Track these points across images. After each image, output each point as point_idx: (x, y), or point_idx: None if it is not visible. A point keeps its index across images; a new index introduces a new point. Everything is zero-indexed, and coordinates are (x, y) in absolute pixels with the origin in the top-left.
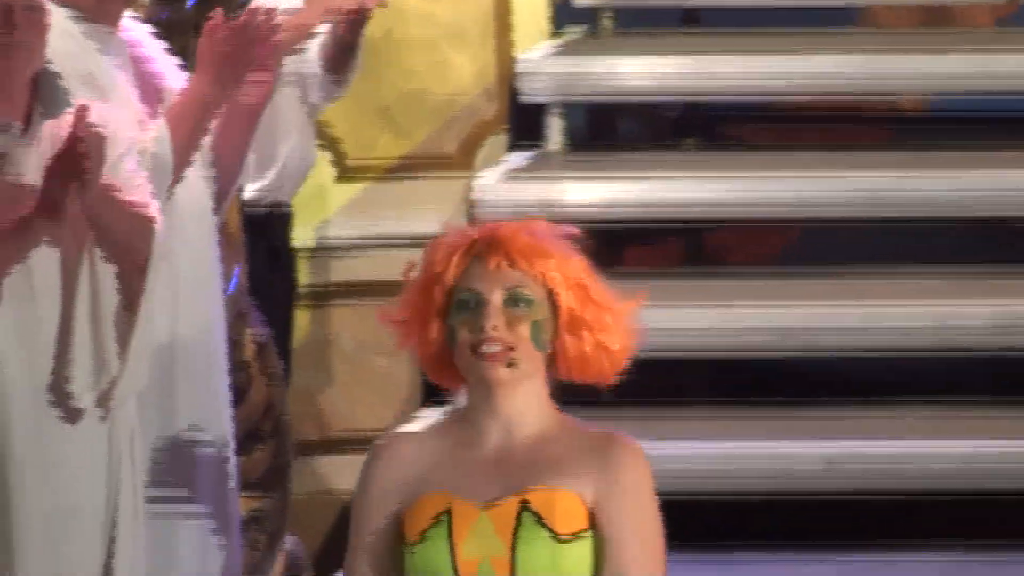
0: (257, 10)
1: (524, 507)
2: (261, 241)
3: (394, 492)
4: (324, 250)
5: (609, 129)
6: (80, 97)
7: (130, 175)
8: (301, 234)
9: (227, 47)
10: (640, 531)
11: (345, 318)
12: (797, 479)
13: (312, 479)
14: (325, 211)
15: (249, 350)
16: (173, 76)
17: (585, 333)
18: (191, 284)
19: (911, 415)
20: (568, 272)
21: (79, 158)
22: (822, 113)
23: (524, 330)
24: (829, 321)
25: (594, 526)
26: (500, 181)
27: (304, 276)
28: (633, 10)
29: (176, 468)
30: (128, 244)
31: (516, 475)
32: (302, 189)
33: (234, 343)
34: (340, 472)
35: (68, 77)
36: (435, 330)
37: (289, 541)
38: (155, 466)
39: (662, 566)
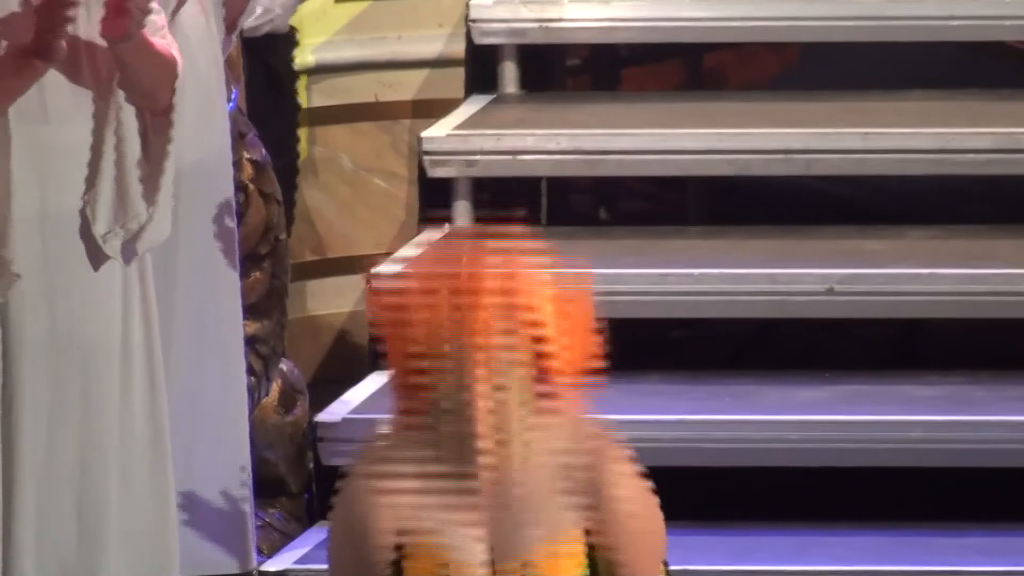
0: None
1: (526, 570)
2: (259, 63)
3: (388, 547)
4: (323, 71)
5: None
6: None
7: (155, 19)
8: (301, 55)
9: None
10: (641, 548)
11: (345, 139)
12: (797, 305)
13: (309, 302)
14: (326, 32)
15: (247, 172)
16: None
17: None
18: (197, 112)
19: (911, 239)
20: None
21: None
22: None
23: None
24: (829, 144)
25: (592, 550)
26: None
27: (303, 97)
28: None
29: (183, 303)
30: (151, 90)
31: (512, 527)
32: (303, 9)
33: (232, 165)
34: (337, 294)
35: None
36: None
37: (285, 365)
38: (162, 301)
39: (661, 564)
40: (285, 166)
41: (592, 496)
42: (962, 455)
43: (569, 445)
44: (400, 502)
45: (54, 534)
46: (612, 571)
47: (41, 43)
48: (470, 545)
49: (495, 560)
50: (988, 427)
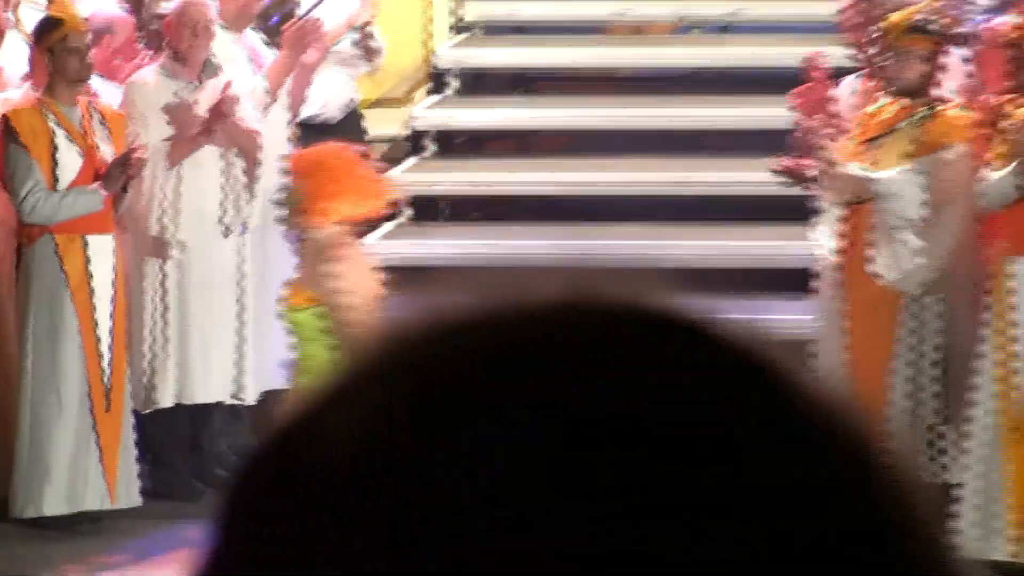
0: (311, 21)
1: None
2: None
3: None
4: None
5: (477, 86)
6: (224, 68)
7: (247, 113)
8: None
9: (295, 37)
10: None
11: None
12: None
13: None
14: None
15: None
16: (265, 54)
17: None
18: (271, 158)
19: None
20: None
21: (224, 107)
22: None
23: None
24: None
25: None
26: (428, 107)
27: None
28: (496, 26)
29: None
30: (247, 148)
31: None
32: None
33: None
34: None
35: (219, 58)
36: None
37: None
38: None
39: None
40: None
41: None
42: None
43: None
44: None
45: None
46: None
47: (207, 132)
48: None
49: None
50: None
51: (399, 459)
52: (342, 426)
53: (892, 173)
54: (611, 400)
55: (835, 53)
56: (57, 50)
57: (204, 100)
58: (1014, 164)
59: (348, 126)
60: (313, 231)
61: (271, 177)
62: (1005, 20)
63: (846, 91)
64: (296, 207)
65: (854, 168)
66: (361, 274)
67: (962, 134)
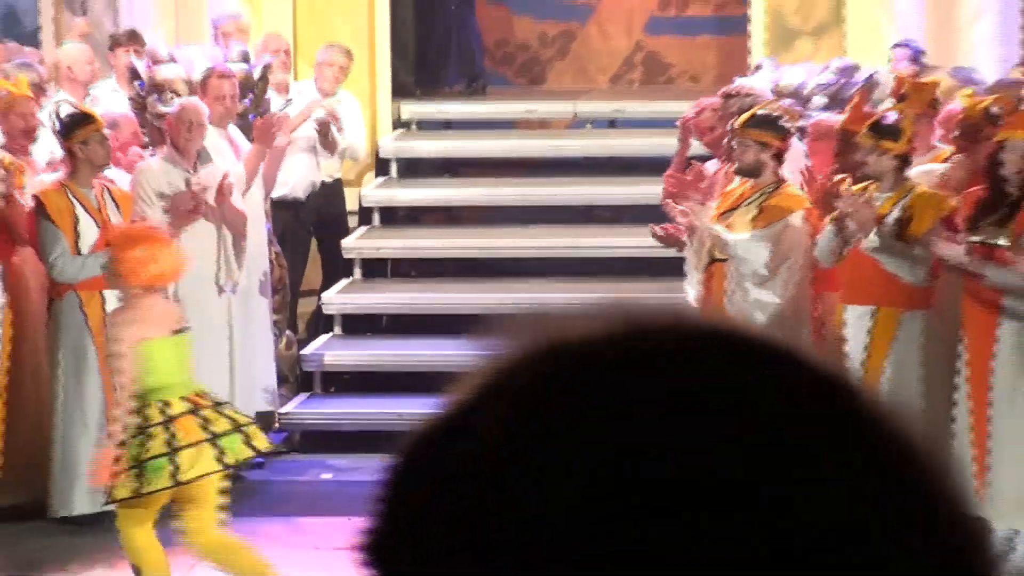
0: (278, 115)
1: None
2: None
3: None
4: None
5: (413, 170)
6: (215, 159)
7: (236, 196)
8: None
9: (265, 129)
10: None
11: None
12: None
13: None
14: None
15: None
16: (245, 144)
17: None
18: (251, 230)
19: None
20: None
21: (223, 191)
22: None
23: None
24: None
25: None
26: (375, 187)
27: None
28: (427, 122)
29: (253, 313)
30: (234, 224)
31: None
32: None
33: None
34: None
35: (209, 148)
36: None
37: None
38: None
39: None
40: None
41: None
42: None
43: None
44: None
45: None
46: None
47: (202, 210)
48: None
49: None
50: None
51: (530, 461)
52: (486, 427)
53: (743, 236)
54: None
55: (695, 142)
56: (90, 141)
57: (203, 184)
58: (831, 224)
59: (310, 203)
60: (122, 290)
61: (253, 245)
62: (831, 116)
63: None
64: (110, 271)
65: (716, 229)
66: (139, 327)
67: (798, 206)
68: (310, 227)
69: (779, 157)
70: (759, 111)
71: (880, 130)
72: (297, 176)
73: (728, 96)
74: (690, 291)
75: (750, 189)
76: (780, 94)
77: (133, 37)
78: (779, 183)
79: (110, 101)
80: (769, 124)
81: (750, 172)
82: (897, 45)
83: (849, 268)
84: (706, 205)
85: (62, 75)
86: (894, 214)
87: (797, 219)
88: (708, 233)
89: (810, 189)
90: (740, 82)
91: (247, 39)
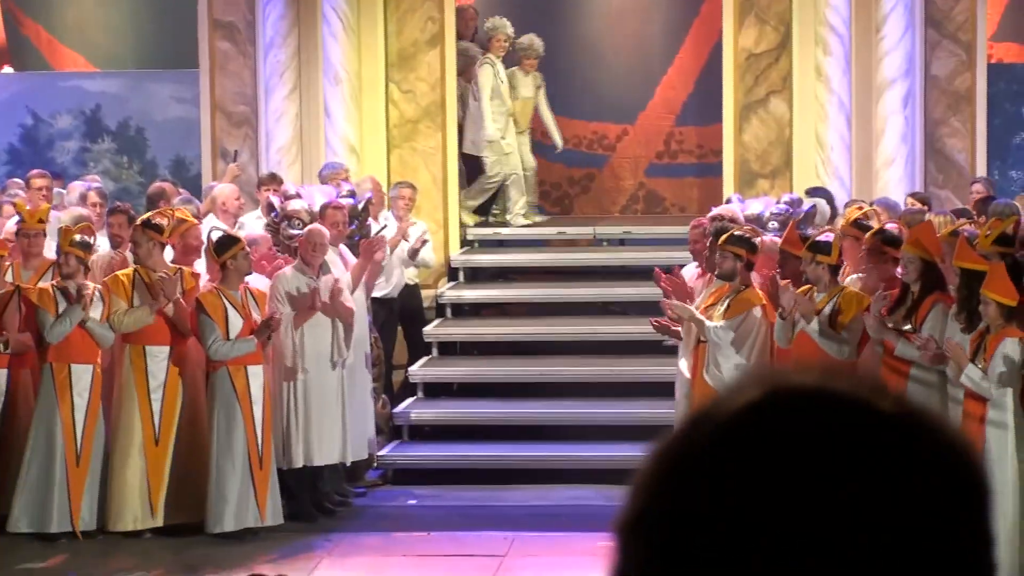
0: (378, 238)
1: None
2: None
3: None
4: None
5: (475, 276)
6: (332, 269)
7: (345, 296)
8: None
9: (367, 248)
10: None
11: None
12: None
13: None
14: None
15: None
16: (351, 259)
17: None
18: (357, 320)
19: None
20: None
21: (335, 295)
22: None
23: None
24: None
25: None
26: (447, 289)
27: None
28: (486, 240)
29: (358, 382)
30: (345, 317)
31: None
32: None
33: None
34: None
35: (328, 262)
36: None
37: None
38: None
39: None
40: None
41: None
42: None
43: None
44: None
45: None
46: None
47: (321, 307)
48: None
49: None
50: None
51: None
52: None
53: (717, 324)
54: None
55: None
56: (239, 256)
57: (322, 288)
58: (779, 314)
59: (398, 301)
60: None
61: (357, 331)
62: (773, 237)
63: (689, 275)
64: None
65: (698, 316)
66: None
67: (758, 301)
68: (398, 318)
69: (748, 266)
70: (735, 232)
71: (817, 247)
72: (392, 280)
73: (715, 219)
74: (683, 363)
75: (727, 288)
76: (746, 220)
77: (273, 178)
78: (747, 284)
79: (254, 226)
80: (743, 242)
81: (727, 276)
82: (814, 192)
83: (796, 347)
84: (685, 303)
85: (216, 207)
86: (827, 309)
87: (757, 311)
88: (693, 321)
89: (766, 291)
90: (719, 210)
91: (349, 180)
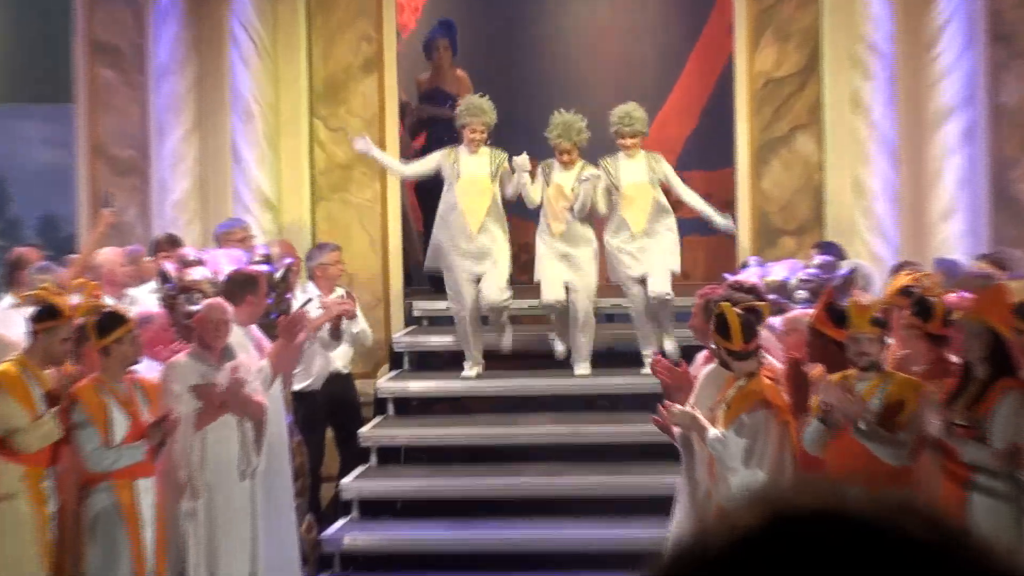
0: (298, 316)
1: None
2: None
3: None
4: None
5: (423, 363)
6: (237, 354)
7: (255, 388)
8: None
9: (287, 327)
10: None
11: None
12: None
13: None
14: None
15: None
16: (266, 342)
17: None
18: (272, 419)
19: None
20: None
21: (238, 385)
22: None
23: None
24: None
25: None
26: (388, 379)
27: None
28: (435, 318)
29: (276, 497)
30: (255, 415)
31: None
32: None
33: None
34: None
35: (234, 345)
36: None
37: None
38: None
39: None
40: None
41: None
42: None
43: None
44: None
45: None
46: None
47: (226, 405)
48: None
49: None
50: None
51: None
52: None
53: (717, 433)
54: None
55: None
56: (124, 339)
57: (223, 379)
58: (817, 416)
59: (324, 393)
60: None
61: (272, 433)
62: (801, 311)
63: (697, 365)
64: None
65: (701, 421)
66: None
67: (770, 392)
68: (325, 416)
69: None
70: (734, 297)
71: (878, 321)
72: (314, 369)
73: (732, 288)
74: (700, 468)
75: (731, 379)
76: (768, 289)
77: (173, 242)
78: (752, 372)
79: (147, 301)
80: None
81: (723, 361)
82: (825, 249)
83: (834, 452)
84: (685, 408)
85: (103, 277)
86: (875, 401)
87: (765, 413)
88: (695, 429)
89: (788, 378)
90: (736, 278)
91: (253, 241)
